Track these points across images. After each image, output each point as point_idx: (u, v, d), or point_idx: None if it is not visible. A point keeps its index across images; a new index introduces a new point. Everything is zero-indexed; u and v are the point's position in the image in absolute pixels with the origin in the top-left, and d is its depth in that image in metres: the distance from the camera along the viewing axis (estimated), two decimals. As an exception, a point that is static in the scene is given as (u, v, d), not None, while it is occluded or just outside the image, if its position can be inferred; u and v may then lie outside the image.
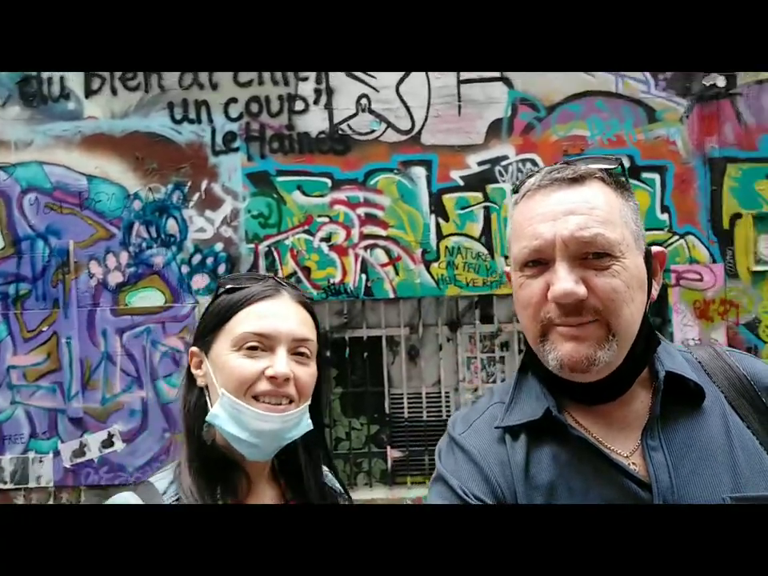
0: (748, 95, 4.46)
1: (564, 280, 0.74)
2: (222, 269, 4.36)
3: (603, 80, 4.46)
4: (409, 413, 4.54)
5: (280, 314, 0.93)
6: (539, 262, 0.78)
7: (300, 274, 4.39)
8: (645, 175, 4.46)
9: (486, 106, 4.45)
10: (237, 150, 4.40)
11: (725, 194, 4.47)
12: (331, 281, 4.38)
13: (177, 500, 0.89)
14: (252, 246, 4.39)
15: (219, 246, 4.39)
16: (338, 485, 1.08)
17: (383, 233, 4.41)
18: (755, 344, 4.45)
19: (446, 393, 4.63)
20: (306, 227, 4.41)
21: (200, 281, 4.38)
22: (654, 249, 0.85)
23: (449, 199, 4.43)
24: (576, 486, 0.77)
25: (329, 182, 4.39)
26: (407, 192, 4.41)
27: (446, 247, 4.42)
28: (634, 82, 4.47)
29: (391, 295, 4.37)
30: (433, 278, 4.43)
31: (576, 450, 0.79)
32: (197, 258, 4.38)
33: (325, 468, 1.07)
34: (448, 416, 4.61)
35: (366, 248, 4.41)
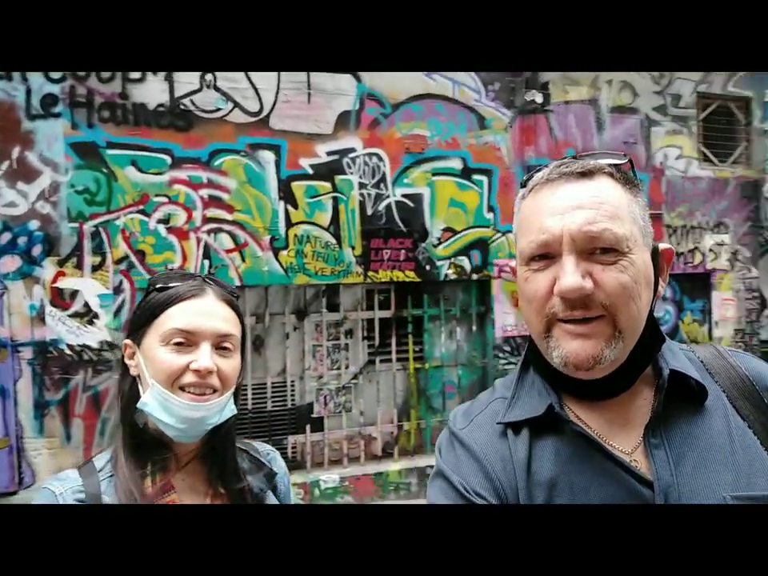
0: (558, 113, 5.13)
1: (571, 274, 0.73)
2: (37, 250, 3.80)
3: (442, 84, 4.79)
4: (252, 404, 4.42)
5: (204, 312, 1.01)
6: (546, 257, 0.77)
7: (133, 258, 4.02)
8: (475, 177, 4.89)
9: (334, 97, 4.49)
10: (58, 115, 3.86)
11: (538, 198, 5.09)
12: (169, 266, 4.07)
13: (110, 476, 0.99)
14: (76, 225, 3.90)
15: (35, 224, 3.82)
16: (263, 459, 1.17)
17: (229, 217, 4.22)
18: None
19: (292, 382, 4.60)
20: (141, 207, 4.04)
21: (9, 263, 3.76)
22: (662, 246, 0.83)
23: (298, 187, 4.39)
24: (578, 483, 0.76)
25: (168, 159, 4.07)
26: (255, 176, 4.28)
27: (295, 235, 4.39)
28: (468, 90, 4.86)
29: (237, 283, 4.20)
30: (281, 265, 4.36)
31: (578, 446, 0.78)
32: (6, 237, 3.76)
33: (265, 445, 1.21)
34: (293, 404, 4.60)
35: (209, 232, 4.19)
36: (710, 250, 5.70)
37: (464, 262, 4.90)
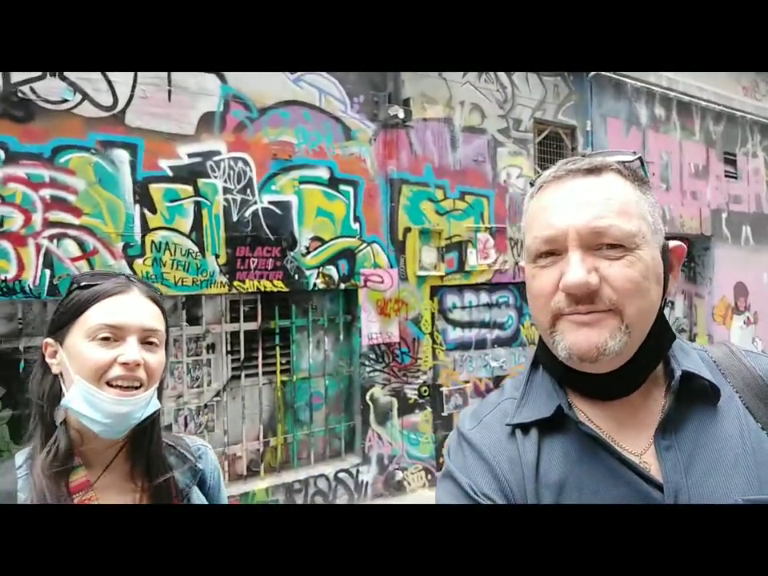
0: (417, 129, 5.35)
1: (576, 269, 0.72)
2: None
3: (309, 92, 4.74)
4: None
5: (130, 307, 1.03)
6: (552, 253, 0.77)
7: (-49, 267, 3.39)
8: (342, 187, 4.91)
9: (197, 97, 4.23)
10: None
11: (400, 210, 5.26)
12: (2, 276, 3.51)
13: (27, 474, 0.98)
14: None
15: None
16: (191, 454, 1.17)
17: (75, 221, 3.75)
18: (417, 335, 5.37)
19: (150, 402, 4.21)
20: (-37, 207, 3.43)
21: None
22: (672, 243, 0.83)
23: (156, 189, 4.04)
24: (586, 484, 0.76)
25: (2, 153, 3.51)
26: (107, 176, 3.85)
27: (153, 242, 4.03)
28: (335, 101, 4.88)
29: (86, 295, 3.73)
30: (136, 275, 3.97)
31: (587, 447, 0.77)
32: None
33: (197, 440, 1.23)
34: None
35: (51, 238, 3.68)
36: (545, 260, 6.32)
37: (332, 271, 4.89)
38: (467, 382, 5.82)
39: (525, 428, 0.82)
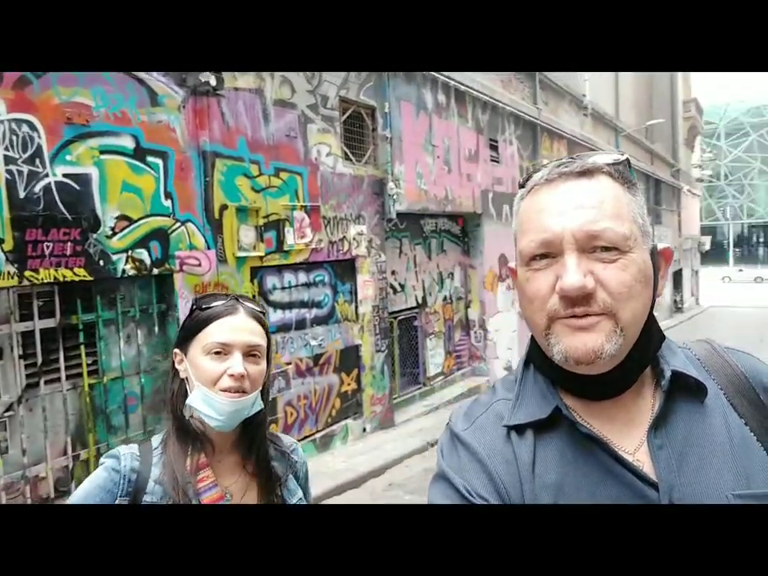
0: (229, 99, 4.98)
1: (573, 273, 0.73)
2: None
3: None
4: None
5: (237, 328, 1.23)
6: (546, 256, 0.77)
7: None
8: (150, 159, 4.35)
9: (-40, 37, 3.32)
10: None
11: (215, 186, 4.87)
12: None
13: (161, 454, 1.22)
14: None
15: None
16: (287, 449, 1.39)
17: None
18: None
19: None
20: None
21: None
22: (661, 246, 0.84)
23: None
24: (583, 484, 0.77)
25: None
26: None
27: None
28: (138, 59, 4.26)
29: None
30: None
31: (583, 447, 0.79)
32: None
33: (289, 438, 1.44)
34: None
35: None
36: (354, 238, 6.48)
37: (143, 254, 4.33)
38: (289, 363, 5.72)
39: (520, 429, 0.82)
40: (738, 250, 53.98)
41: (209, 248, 4.83)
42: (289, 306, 5.71)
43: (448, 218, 8.78)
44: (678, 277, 21.72)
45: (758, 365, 0.87)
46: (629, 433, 0.80)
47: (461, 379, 9.06)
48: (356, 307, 6.61)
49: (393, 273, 7.49)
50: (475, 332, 9.28)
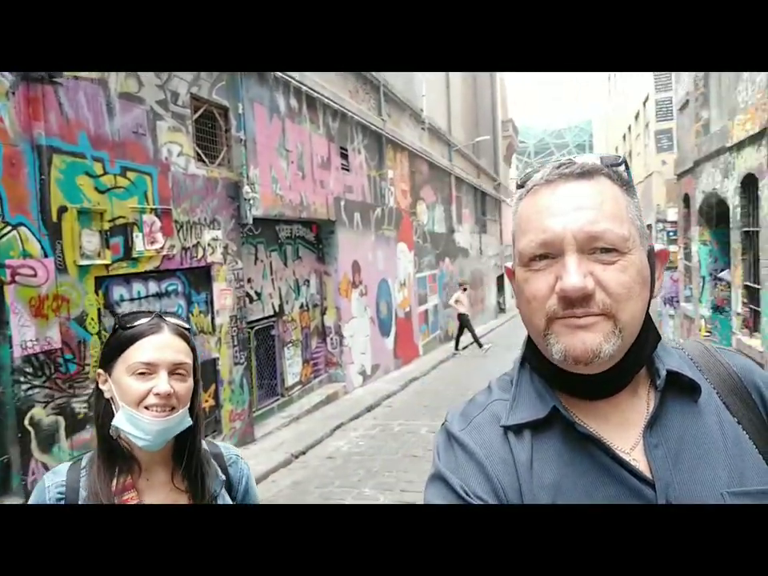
0: (68, 88, 4.41)
1: (573, 274, 0.73)
2: None
3: None
4: None
5: (162, 346, 1.23)
6: (546, 257, 0.77)
7: None
8: (-30, 150, 3.69)
9: None
10: None
11: (52, 185, 4.28)
12: None
13: (87, 475, 1.22)
14: None
15: None
16: (225, 461, 1.39)
17: None
18: (84, 337, 4.51)
19: None
20: None
21: None
22: (657, 247, 0.86)
23: None
24: (581, 484, 0.77)
25: None
26: None
27: None
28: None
29: None
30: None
31: (580, 447, 0.79)
32: None
33: (231, 448, 1.45)
34: None
35: None
36: (209, 244, 6.10)
37: (-37, 264, 3.64)
38: (142, 382, 5.20)
39: (517, 429, 0.82)
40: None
41: (46, 256, 4.22)
42: (140, 318, 5.20)
43: (302, 225, 8.67)
44: (501, 280, 23.72)
45: (750, 365, 0.89)
46: (625, 432, 0.81)
47: (318, 387, 8.98)
48: (212, 318, 6.22)
49: (249, 281, 7.19)
50: (331, 338, 9.26)
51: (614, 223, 0.76)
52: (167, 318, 1.28)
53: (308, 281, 8.88)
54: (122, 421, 1.20)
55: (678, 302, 12.53)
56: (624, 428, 0.81)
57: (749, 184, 7.15)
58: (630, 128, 18.98)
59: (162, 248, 5.36)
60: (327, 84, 8.83)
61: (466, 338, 13.60)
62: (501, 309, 23.99)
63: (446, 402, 8.80)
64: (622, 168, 0.82)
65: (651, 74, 13.90)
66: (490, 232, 22.42)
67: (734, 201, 7.70)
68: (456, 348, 13.48)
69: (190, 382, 1.27)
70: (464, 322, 13.34)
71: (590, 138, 46.12)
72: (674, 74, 12.30)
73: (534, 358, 0.86)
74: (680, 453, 0.78)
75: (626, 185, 0.81)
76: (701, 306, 9.87)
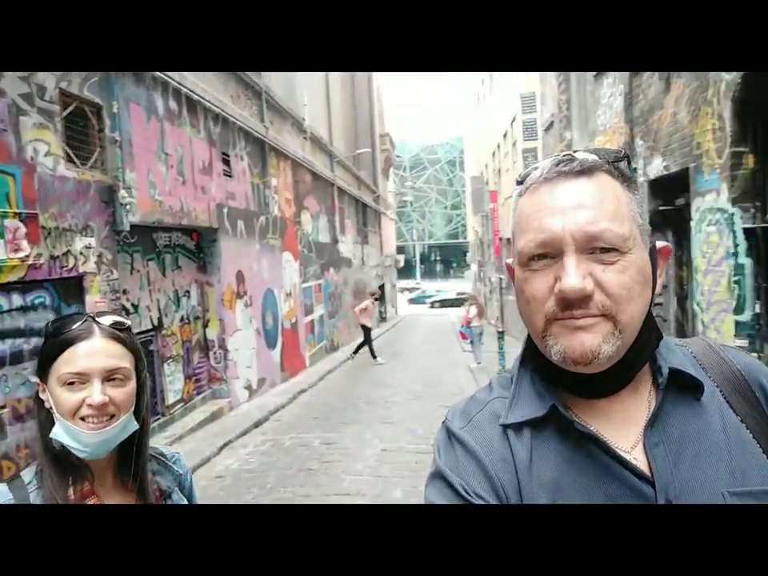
0: None
1: (572, 275, 0.72)
2: None
3: None
4: None
5: (92, 353, 1.15)
6: (545, 256, 0.76)
7: None
8: None
9: None
10: None
11: None
12: None
13: (38, 488, 1.15)
14: None
15: None
16: (169, 461, 1.37)
17: None
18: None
19: None
20: None
21: None
22: (659, 244, 0.84)
23: None
24: (580, 482, 0.77)
25: None
26: None
27: None
28: None
29: None
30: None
31: (579, 445, 0.78)
32: None
33: (170, 449, 1.41)
34: None
35: None
36: (81, 253, 5.59)
37: None
38: (3, 407, 4.62)
39: (517, 428, 0.82)
40: (422, 266, 62.97)
41: None
42: (1, 335, 4.62)
43: (182, 232, 8.22)
44: (381, 290, 24.19)
45: (753, 362, 0.87)
46: (625, 430, 0.80)
47: (201, 404, 8.53)
48: (85, 333, 5.69)
49: (125, 292, 6.67)
50: (215, 352, 8.85)
51: (614, 222, 0.74)
52: (101, 320, 1.19)
53: (188, 292, 8.42)
54: (59, 433, 1.15)
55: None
56: (625, 426, 0.80)
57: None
58: (498, 146, 20.24)
59: (27, 257, 4.81)
60: (208, 87, 8.49)
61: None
62: (382, 318, 24.43)
63: (337, 413, 8.74)
64: (623, 164, 0.80)
65: (518, 95, 14.92)
66: (371, 243, 22.77)
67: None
68: (354, 353, 13.68)
69: (132, 385, 1.20)
70: (366, 334, 13.51)
71: (460, 155, 48.61)
72: (538, 96, 13.28)
73: (534, 356, 0.85)
74: (681, 451, 0.77)
75: (628, 181, 0.79)
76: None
